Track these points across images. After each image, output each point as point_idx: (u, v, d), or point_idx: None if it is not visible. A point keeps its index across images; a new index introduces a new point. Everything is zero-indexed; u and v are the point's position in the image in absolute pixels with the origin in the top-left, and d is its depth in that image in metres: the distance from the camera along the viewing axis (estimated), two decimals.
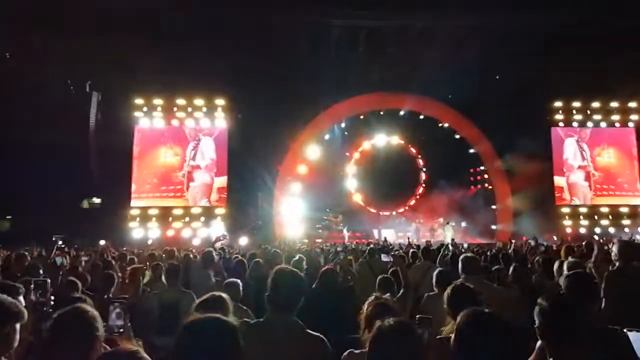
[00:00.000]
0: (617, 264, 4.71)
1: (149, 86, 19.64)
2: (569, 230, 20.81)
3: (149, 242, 18.14)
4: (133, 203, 19.96)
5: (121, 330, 2.21)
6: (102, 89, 19.48)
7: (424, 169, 25.57)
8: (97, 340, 2.01)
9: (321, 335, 2.54)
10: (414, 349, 1.84)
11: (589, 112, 22.35)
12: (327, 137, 23.07)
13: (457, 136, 22.93)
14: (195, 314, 2.60)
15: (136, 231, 19.37)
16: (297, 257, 6.00)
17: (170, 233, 19.52)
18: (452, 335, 2.65)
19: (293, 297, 2.56)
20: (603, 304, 4.26)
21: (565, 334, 2.07)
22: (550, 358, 2.11)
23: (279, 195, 20.75)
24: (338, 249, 10.69)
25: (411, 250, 8.78)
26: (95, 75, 18.94)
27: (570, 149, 22.33)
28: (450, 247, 9.65)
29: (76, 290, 4.48)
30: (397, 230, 22.89)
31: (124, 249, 12.42)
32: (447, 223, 21.37)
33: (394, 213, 24.90)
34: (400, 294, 4.56)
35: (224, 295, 2.82)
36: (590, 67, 18.39)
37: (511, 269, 5.85)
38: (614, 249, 4.81)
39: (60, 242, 12.34)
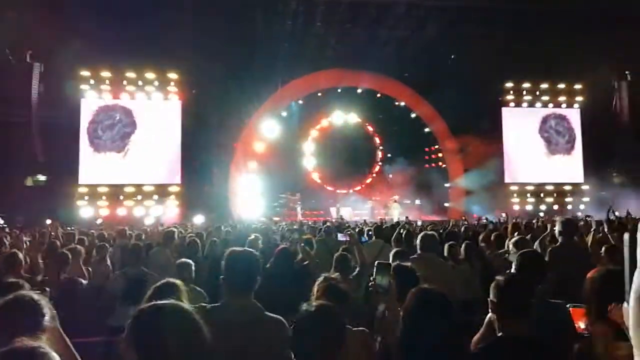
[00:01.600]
0: (559, 240, 4.96)
1: (96, 57, 18.65)
2: (516, 207, 21.71)
3: (98, 221, 17.52)
4: (81, 180, 19.16)
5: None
6: (45, 60, 18.34)
7: (381, 147, 25.88)
8: (45, 328, 1.91)
9: (281, 318, 2.52)
10: (332, 335, 1.88)
11: (537, 93, 23.15)
12: (284, 114, 22.85)
13: (413, 115, 23.25)
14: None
15: (84, 210, 18.65)
16: (252, 237, 5.94)
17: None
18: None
19: (249, 279, 2.51)
20: (549, 277, 4.48)
21: (515, 308, 2.24)
22: (499, 330, 2.25)
23: (235, 172, 20.46)
24: (294, 226, 10.69)
25: (366, 229, 8.91)
26: (37, 45, 17.79)
27: (522, 134, 23.08)
28: (406, 225, 9.85)
29: (14, 272, 4.26)
30: (354, 208, 23.17)
31: (71, 228, 11.91)
32: (395, 201, 21.79)
33: (350, 191, 25.15)
34: (356, 273, 4.60)
35: (177, 281, 2.73)
36: (540, 49, 18.96)
37: (463, 246, 6.05)
38: (557, 227, 5.06)
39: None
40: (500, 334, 2.24)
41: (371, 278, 2.82)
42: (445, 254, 5.66)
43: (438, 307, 1.84)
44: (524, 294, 2.28)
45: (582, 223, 8.65)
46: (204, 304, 2.69)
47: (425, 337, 1.78)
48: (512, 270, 3.08)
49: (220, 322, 2.35)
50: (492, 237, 6.90)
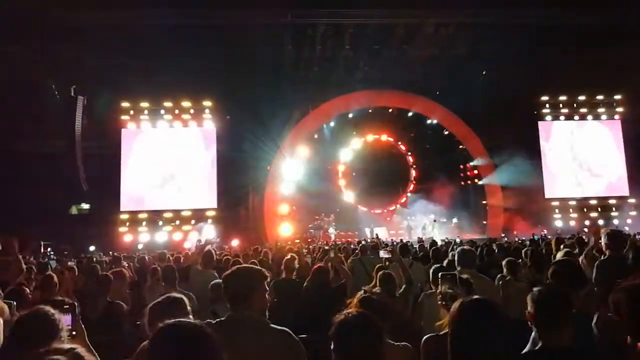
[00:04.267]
0: (607, 253, 4.75)
1: (135, 89, 19.46)
2: (559, 223, 20.93)
3: (139, 246, 17.98)
4: (122, 207, 19.78)
5: (74, 332, 2.16)
6: (88, 93, 19.26)
7: (414, 166, 25.65)
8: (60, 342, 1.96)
9: (286, 329, 2.53)
10: (372, 341, 1.90)
11: (575, 105, 22.54)
12: (316, 136, 23.05)
13: (446, 132, 23.02)
14: (152, 316, 2.53)
15: (126, 236, 19.20)
16: (288, 257, 5.96)
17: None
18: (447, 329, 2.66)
19: (247, 293, 2.53)
20: (595, 290, 4.29)
21: (554, 318, 2.21)
22: (540, 341, 2.21)
23: (270, 195, 20.67)
24: (325, 247, 10.64)
25: (399, 246, 8.80)
26: (81, 80, 18.72)
27: (562, 148, 22.48)
28: (441, 243, 9.67)
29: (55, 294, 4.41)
30: (389, 229, 22.93)
31: (115, 254, 12.27)
32: (435, 221, 21.46)
33: (385, 211, 24.94)
34: (402, 290, 4.54)
35: (180, 295, 2.75)
36: (575, 60, 18.55)
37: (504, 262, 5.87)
38: (603, 240, 4.86)
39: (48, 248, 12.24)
40: (540, 345, 2.19)
41: (437, 290, 2.80)
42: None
43: (485, 315, 1.81)
44: (562, 305, 2.24)
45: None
46: (209, 320, 2.72)
47: (472, 346, 1.75)
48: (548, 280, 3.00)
49: (225, 334, 2.38)
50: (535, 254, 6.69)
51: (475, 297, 1.93)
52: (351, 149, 24.98)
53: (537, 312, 2.23)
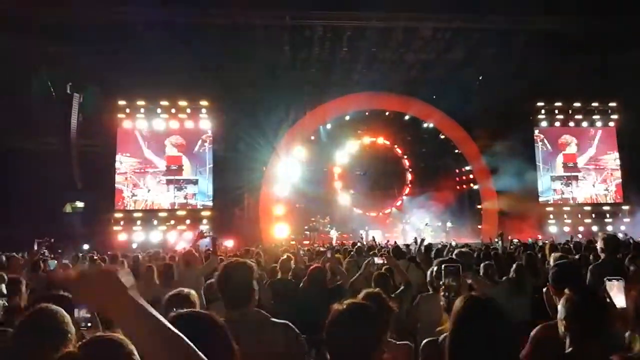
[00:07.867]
0: (602, 256, 4.79)
1: (132, 87, 19.38)
2: (553, 229, 21.02)
3: (134, 245, 17.90)
4: (117, 206, 19.70)
5: (89, 324, 2.15)
6: (84, 91, 19.17)
7: (410, 169, 25.69)
8: (68, 340, 1.94)
9: (286, 322, 2.50)
10: (366, 332, 1.85)
11: (570, 112, 22.69)
12: (313, 138, 23.06)
13: (442, 136, 23.09)
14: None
15: (120, 235, 19.11)
16: (284, 257, 5.96)
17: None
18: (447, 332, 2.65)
19: (246, 289, 2.46)
20: None
21: (590, 327, 2.11)
22: (570, 348, 2.13)
23: (265, 196, 20.65)
24: (321, 249, 10.63)
25: (392, 249, 8.82)
26: (77, 77, 18.63)
27: (556, 154, 22.65)
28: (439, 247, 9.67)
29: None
30: (384, 231, 22.94)
31: (109, 252, 12.20)
32: (426, 224, 21.50)
33: (380, 214, 24.96)
34: (399, 291, 4.55)
35: (192, 291, 2.68)
36: (572, 67, 18.67)
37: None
38: (599, 244, 4.90)
39: (44, 247, 12.12)
40: (569, 350, 2.12)
41: (441, 282, 2.77)
42: (481, 273, 5.52)
43: (487, 313, 1.79)
44: (601, 313, 2.15)
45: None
46: None
47: (472, 344, 1.74)
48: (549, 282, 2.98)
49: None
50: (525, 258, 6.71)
51: (481, 295, 1.91)
52: (347, 152, 24.99)
53: (575, 319, 2.14)
